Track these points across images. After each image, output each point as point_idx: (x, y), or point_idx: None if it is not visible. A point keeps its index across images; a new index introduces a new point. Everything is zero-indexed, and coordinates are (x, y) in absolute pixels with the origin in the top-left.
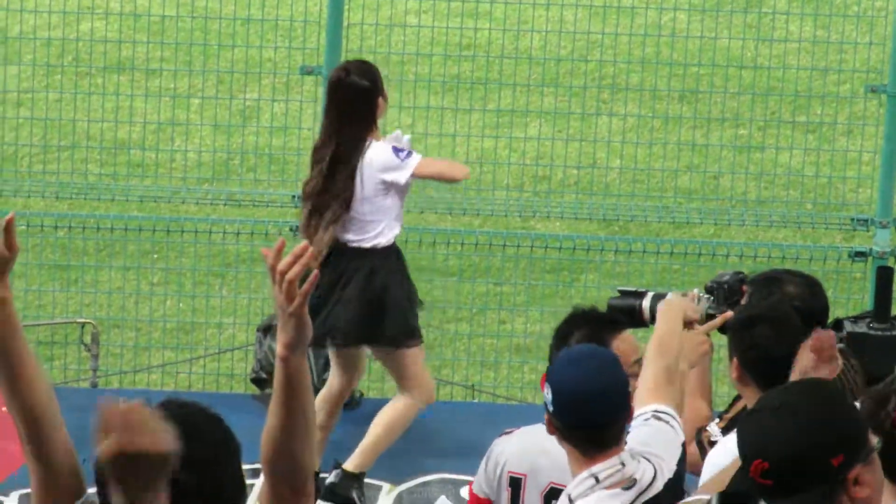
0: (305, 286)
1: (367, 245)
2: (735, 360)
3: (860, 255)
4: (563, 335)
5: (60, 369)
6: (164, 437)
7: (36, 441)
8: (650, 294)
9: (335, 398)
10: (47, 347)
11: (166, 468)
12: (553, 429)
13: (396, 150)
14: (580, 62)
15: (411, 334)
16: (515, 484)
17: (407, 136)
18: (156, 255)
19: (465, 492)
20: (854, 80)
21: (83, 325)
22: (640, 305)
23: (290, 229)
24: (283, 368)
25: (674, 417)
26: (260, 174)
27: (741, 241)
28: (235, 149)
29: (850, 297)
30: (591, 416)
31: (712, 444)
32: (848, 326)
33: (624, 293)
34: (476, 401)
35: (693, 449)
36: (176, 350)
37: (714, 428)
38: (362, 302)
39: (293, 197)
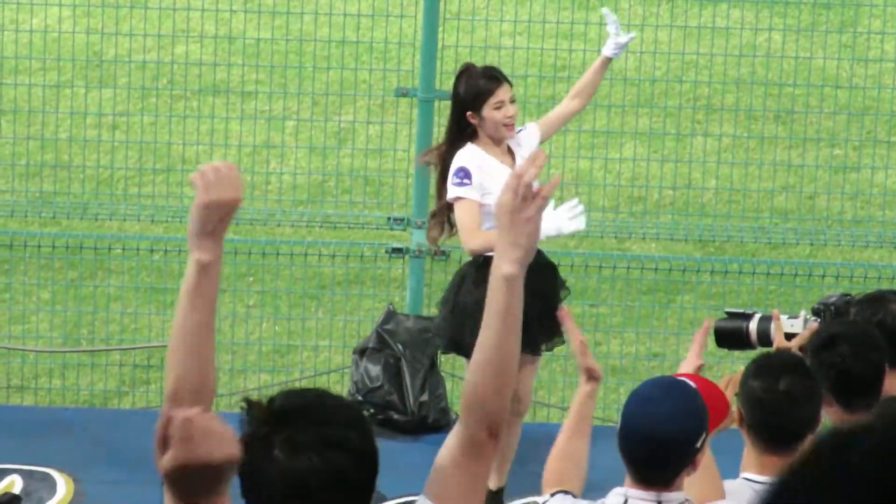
0: (547, 187)
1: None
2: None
3: None
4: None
5: (157, 393)
6: (224, 444)
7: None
8: (757, 316)
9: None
10: (143, 371)
11: (228, 474)
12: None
13: (457, 172)
14: (675, 83)
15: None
16: None
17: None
18: (251, 278)
19: None
20: None
21: None
22: (747, 328)
23: (386, 251)
24: (508, 290)
25: None
26: (355, 196)
27: (837, 262)
28: (330, 171)
29: None
30: (649, 459)
31: None
32: None
33: (731, 315)
34: None
35: None
36: (272, 373)
37: None
38: (447, 307)
39: (388, 219)
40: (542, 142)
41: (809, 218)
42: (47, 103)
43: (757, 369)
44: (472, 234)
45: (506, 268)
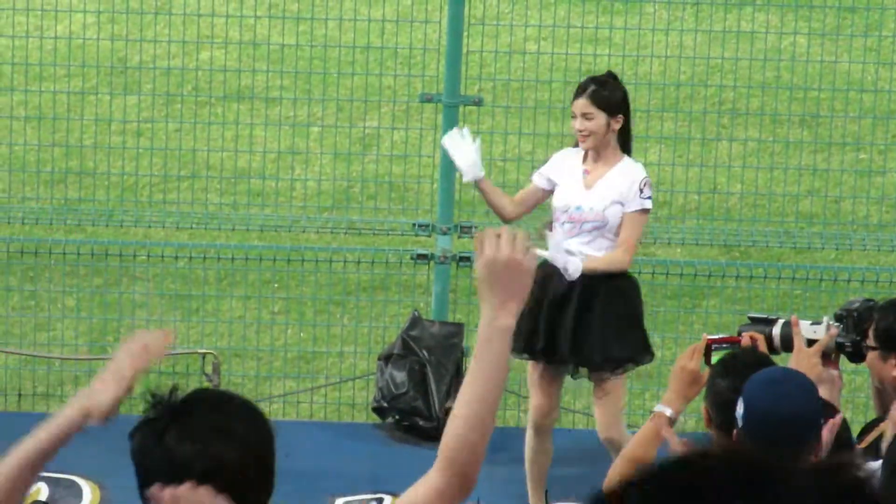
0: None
1: None
2: None
3: None
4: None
5: None
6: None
7: None
8: (780, 321)
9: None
10: (169, 378)
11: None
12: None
13: None
14: (700, 87)
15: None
16: None
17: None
18: (276, 285)
19: None
20: None
21: (204, 355)
22: (770, 333)
23: (411, 257)
24: (503, 342)
25: None
26: (380, 202)
27: (863, 266)
28: (355, 177)
29: None
30: (778, 438)
31: None
32: None
33: (754, 320)
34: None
35: None
36: (297, 379)
37: None
38: None
39: (413, 224)
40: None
41: (835, 222)
42: (72, 110)
43: (724, 369)
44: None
45: (504, 320)
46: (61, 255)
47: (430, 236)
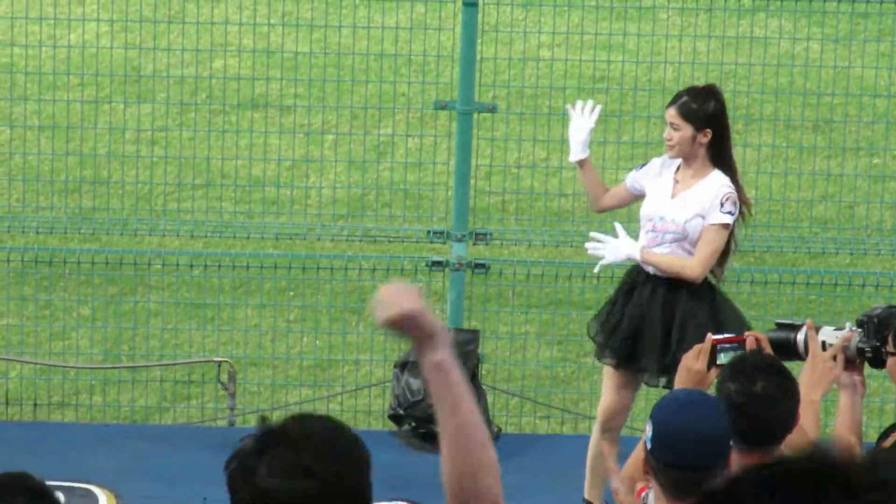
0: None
1: None
2: None
3: None
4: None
5: (198, 408)
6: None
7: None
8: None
9: None
10: (184, 387)
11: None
12: (648, 467)
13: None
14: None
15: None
16: None
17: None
18: (292, 293)
19: None
20: None
21: (220, 363)
22: (795, 339)
23: (427, 265)
24: (445, 375)
25: None
26: (395, 210)
27: (877, 271)
28: (370, 184)
29: None
30: (687, 457)
31: None
32: None
33: (780, 325)
34: None
35: None
36: (313, 387)
37: None
38: None
39: (428, 232)
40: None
41: (849, 227)
42: (86, 119)
43: (732, 372)
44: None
45: (434, 356)
46: (76, 265)
47: (444, 243)
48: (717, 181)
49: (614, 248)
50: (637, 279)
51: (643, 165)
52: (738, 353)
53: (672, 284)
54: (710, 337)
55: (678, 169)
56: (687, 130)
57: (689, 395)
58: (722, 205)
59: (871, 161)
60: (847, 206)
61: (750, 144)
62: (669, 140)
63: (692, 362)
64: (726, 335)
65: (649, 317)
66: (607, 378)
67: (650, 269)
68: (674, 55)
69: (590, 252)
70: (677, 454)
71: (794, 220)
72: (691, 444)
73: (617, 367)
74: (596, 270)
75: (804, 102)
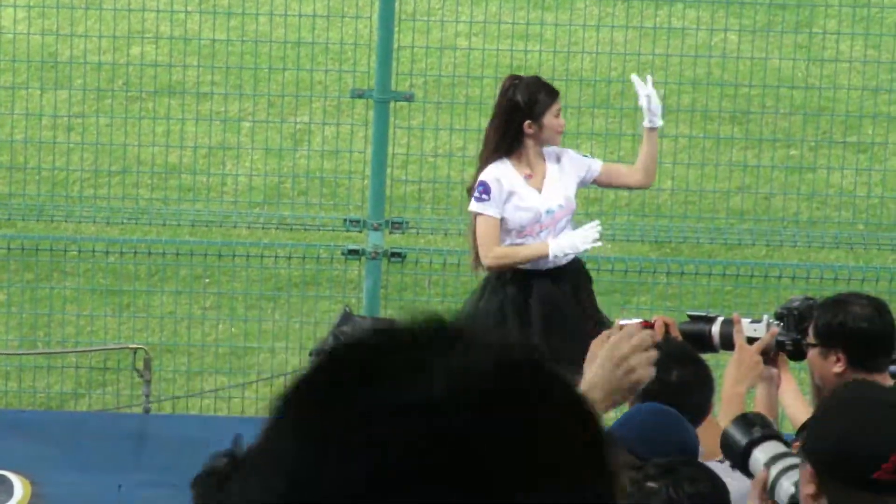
0: None
1: None
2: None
3: None
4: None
5: (113, 395)
6: None
7: None
8: (720, 319)
9: None
10: (100, 373)
11: None
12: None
13: (478, 186)
14: (631, 83)
15: None
16: None
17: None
18: (207, 280)
19: None
20: None
21: (135, 350)
22: (710, 331)
23: (343, 253)
24: None
25: None
26: (311, 198)
27: (794, 262)
28: (286, 172)
29: None
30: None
31: None
32: None
33: (693, 318)
34: None
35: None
36: (229, 375)
37: None
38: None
39: (345, 220)
40: (586, 183)
41: (766, 218)
42: (2, 105)
43: None
44: (488, 249)
45: None
46: None
47: (361, 232)
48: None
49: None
50: (490, 277)
51: (482, 200)
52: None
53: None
54: (618, 322)
55: (521, 170)
56: None
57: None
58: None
59: (787, 152)
60: (763, 197)
61: (667, 135)
62: (563, 125)
63: (599, 348)
64: (634, 320)
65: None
66: None
67: (547, 266)
68: (591, 45)
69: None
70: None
71: (711, 211)
72: (661, 433)
73: None
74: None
75: (721, 93)
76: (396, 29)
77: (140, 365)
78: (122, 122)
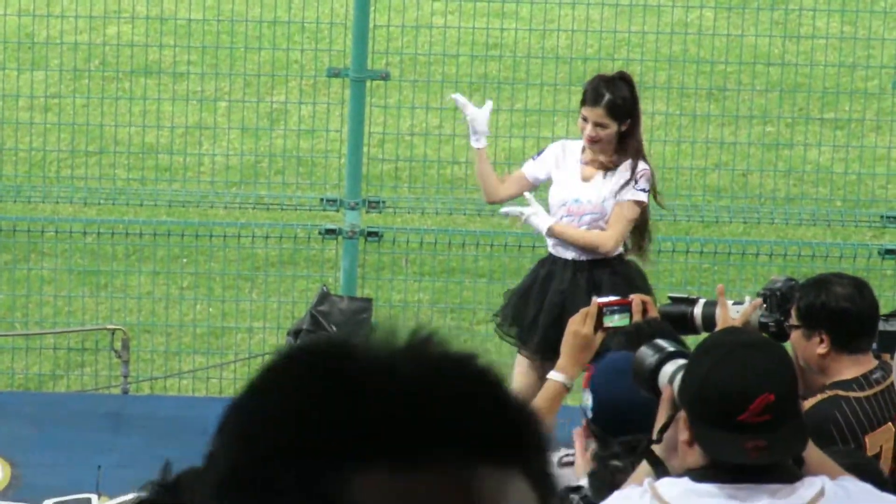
0: None
1: None
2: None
3: (890, 252)
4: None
5: (91, 376)
6: None
7: None
8: (702, 301)
9: None
10: (78, 354)
11: None
12: (590, 433)
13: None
14: (607, 61)
15: None
16: None
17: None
18: (185, 260)
19: None
20: (882, 76)
21: (113, 331)
22: (692, 313)
23: (319, 232)
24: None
25: None
26: (288, 177)
27: (771, 240)
28: (263, 152)
29: (881, 295)
30: (629, 426)
31: None
32: (880, 325)
33: (675, 300)
34: None
35: None
36: (206, 355)
37: None
38: None
39: (321, 199)
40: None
41: (743, 195)
42: None
43: (628, 341)
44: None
45: None
46: None
47: (338, 211)
48: (630, 162)
49: (534, 212)
50: (553, 268)
51: (539, 154)
52: (625, 315)
53: (592, 266)
54: (596, 300)
55: (583, 150)
56: (613, 127)
57: (627, 361)
58: (636, 181)
59: (764, 129)
60: (740, 174)
61: (643, 112)
62: (595, 138)
63: (579, 326)
64: (611, 298)
65: (574, 304)
66: (519, 365)
67: (569, 255)
68: (567, 23)
69: (504, 211)
70: (625, 422)
71: (688, 189)
72: (637, 411)
73: (534, 359)
74: (503, 211)
75: (698, 70)
76: (372, 7)
77: (118, 345)
78: (99, 103)
